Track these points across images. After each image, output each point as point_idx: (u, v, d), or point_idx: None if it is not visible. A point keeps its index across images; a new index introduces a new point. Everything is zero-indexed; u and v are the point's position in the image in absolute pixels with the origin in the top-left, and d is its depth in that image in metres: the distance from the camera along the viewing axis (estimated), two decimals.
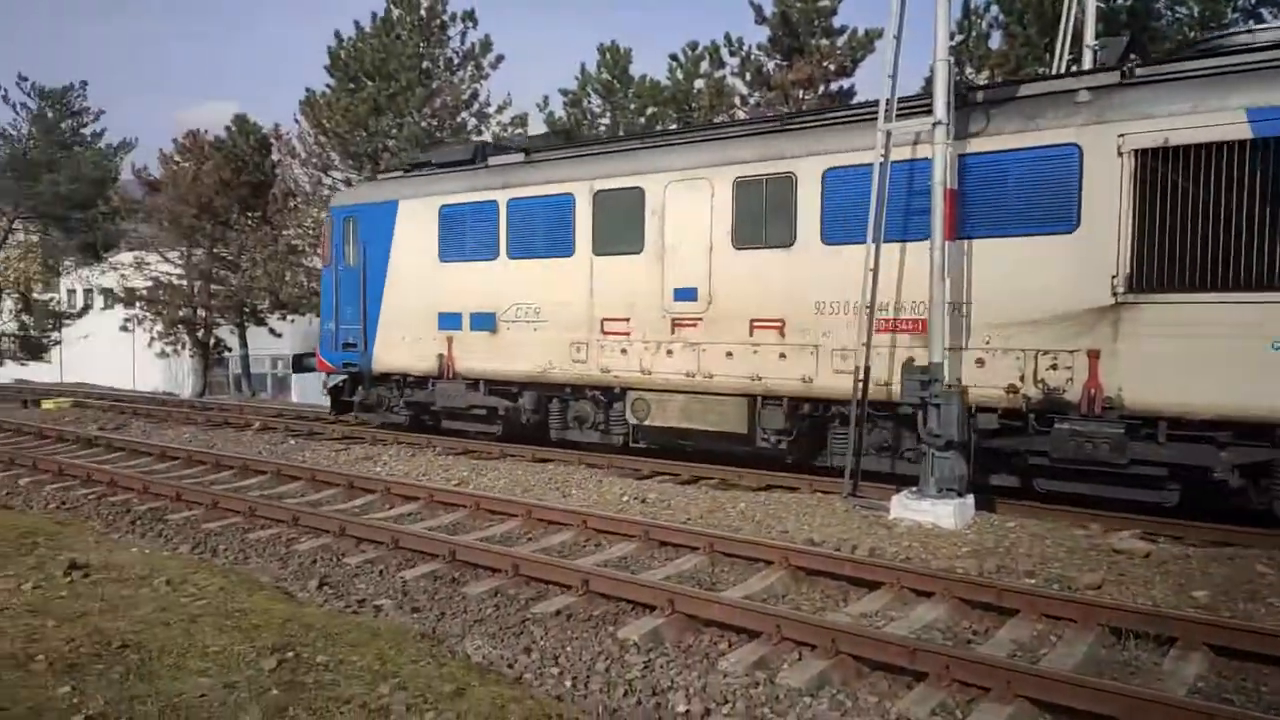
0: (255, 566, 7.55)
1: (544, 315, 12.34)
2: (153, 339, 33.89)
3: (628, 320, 11.55)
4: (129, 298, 34.50)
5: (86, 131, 37.77)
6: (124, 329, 35.66)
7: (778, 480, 10.47)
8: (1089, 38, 10.95)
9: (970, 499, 8.66)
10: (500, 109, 27.92)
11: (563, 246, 12.08)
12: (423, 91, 26.87)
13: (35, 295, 41.12)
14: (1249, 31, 9.00)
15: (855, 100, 20.94)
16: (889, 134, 9.11)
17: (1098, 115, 8.42)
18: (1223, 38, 9.30)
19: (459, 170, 13.82)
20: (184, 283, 33.51)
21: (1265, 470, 7.91)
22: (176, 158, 33.15)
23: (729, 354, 10.71)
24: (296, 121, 29.55)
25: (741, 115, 22.51)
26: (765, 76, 22.10)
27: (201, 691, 4.53)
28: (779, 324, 10.31)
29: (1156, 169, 8.08)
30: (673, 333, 11.16)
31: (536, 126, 25.88)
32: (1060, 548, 7.64)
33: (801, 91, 21.38)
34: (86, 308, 41.38)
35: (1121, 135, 8.22)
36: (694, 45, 23.10)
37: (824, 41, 21.78)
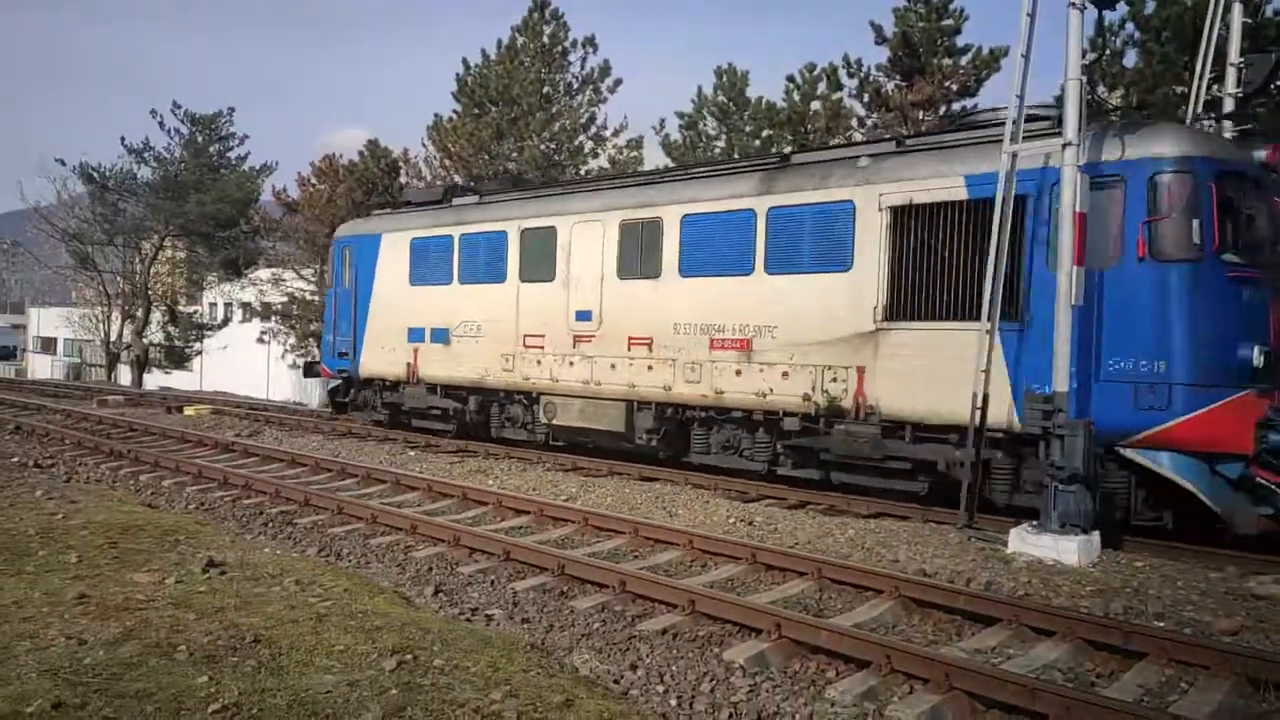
0: (376, 571, 7.87)
1: (483, 331, 14.68)
2: (286, 351, 35.76)
3: (543, 337, 13.77)
4: (265, 312, 36.53)
5: (232, 155, 40.41)
6: (260, 341, 37.65)
7: (889, 508, 10.26)
8: (1233, 54, 10.39)
9: (1096, 536, 8.28)
10: (617, 132, 28.44)
11: (498, 274, 14.44)
12: (543, 116, 27.62)
13: (180, 308, 44.09)
14: (993, 110, 11.01)
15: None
16: (1014, 156, 8.87)
17: (867, 178, 10.39)
18: (969, 114, 11.88)
19: (428, 209, 16.42)
20: (316, 298, 35.27)
21: (986, 467, 9.42)
22: (313, 180, 35.03)
23: (613, 366, 12.80)
24: (424, 146, 30.82)
25: (858, 137, 22.27)
26: (884, 98, 21.76)
27: (327, 688, 4.76)
28: (648, 341, 12.38)
29: (904, 222, 10.02)
30: (574, 347, 13.32)
31: (652, 149, 26.28)
32: (1193, 590, 7.22)
33: (921, 112, 20.97)
34: (226, 320, 44.02)
35: (882, 194, 10.16)
36: (811, 67, 22.97)
37: (946, 61, 21.32)
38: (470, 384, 15.03)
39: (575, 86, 28.71)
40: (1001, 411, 9.07)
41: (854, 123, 22.53)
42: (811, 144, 21.50)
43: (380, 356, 16.60)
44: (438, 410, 15.82)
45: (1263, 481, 8.11)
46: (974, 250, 9.38)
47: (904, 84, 21.47)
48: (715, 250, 11.65)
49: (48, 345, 66.25)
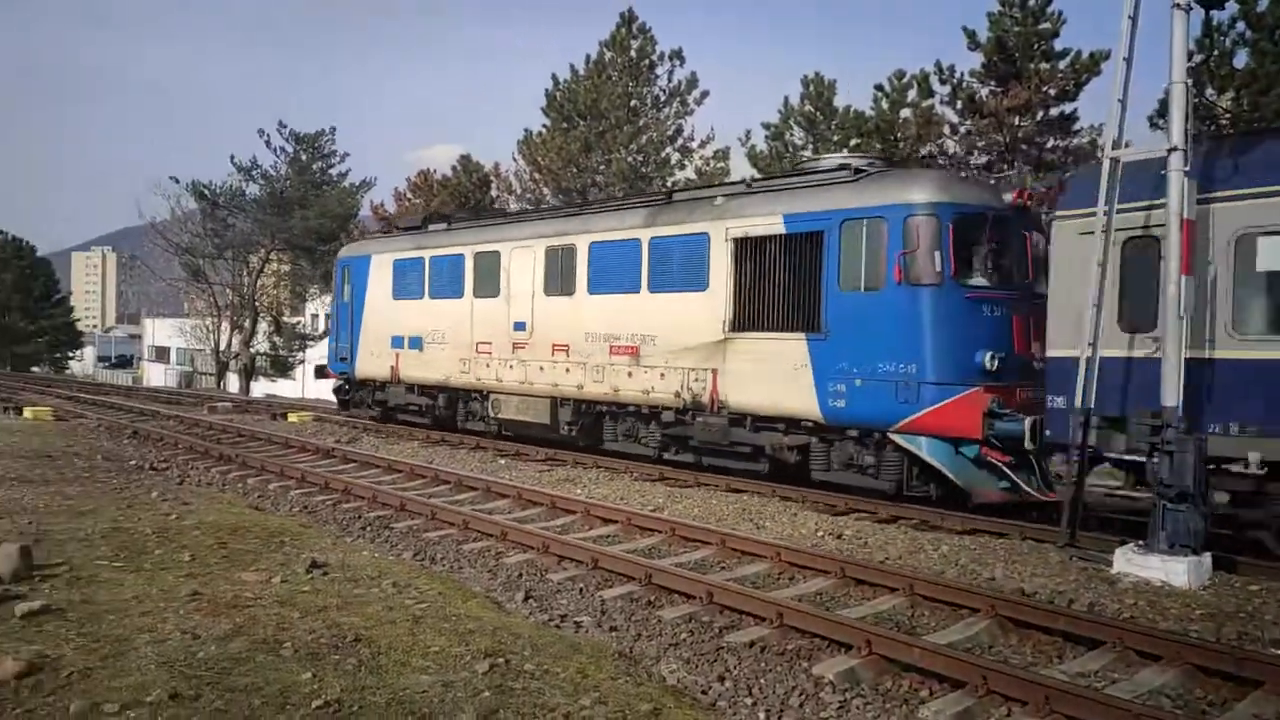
0: (468, 576, 8.06)
1: (447, 339, 17.27)
2: None
3: (491, 344, 16.27)
4: None
5: (334, 172, 41.98)
6: None
7: (984, 524, 9.99)
8: None
9: (1207, 557, 7.91)
10: (703, 143, 28.52)
11: (458, 291, 17.03)
12: (630, 129, 27.91)
13: (285, 319, 45.94)
14: (813, 158, 14.02)
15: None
16: (1117, 162, 8.57)
17: (719, 214, 12.56)
18: (806, 161, 14.85)
19: (409, 234, 19.39)
20: None
21: (806, 450, 11.61)
22: (408, 195, 36.12)
23: (541, 368, 15.22)
24: (514, 160, 31.49)
25: (951, 145, 21.84)
26: (978, 104, 21.27)
27: (423, 688, 4.91)
28: (566, 348, 14.74)
29: (743, 251, 12.08)
30: (513, 353, 15.78)
31: (738, 160, 26.23)
32: None
33: (1018, 118, 20.43)
34: (327, 330, 45.63)
35: (728, 228, 12.29)
36: (901, 74, 22.63)
37: (1044, 65, 20.72)
38: (438, 384, 17.77)
39: (662, 99, 28.94)
40: (810, 404, 11.23)
41: (946, 130, 22.08)
42: (901, 152, 21.20)
43: (371, 360, 19.41)
44: (415, 405, 18.61)
45: (994, 461, 10.07)
46: (791, 275, 11.55)
47: (999, 89, 20.95)
48: (614, 273, 13.98)
49: (162, 354, 69.91)
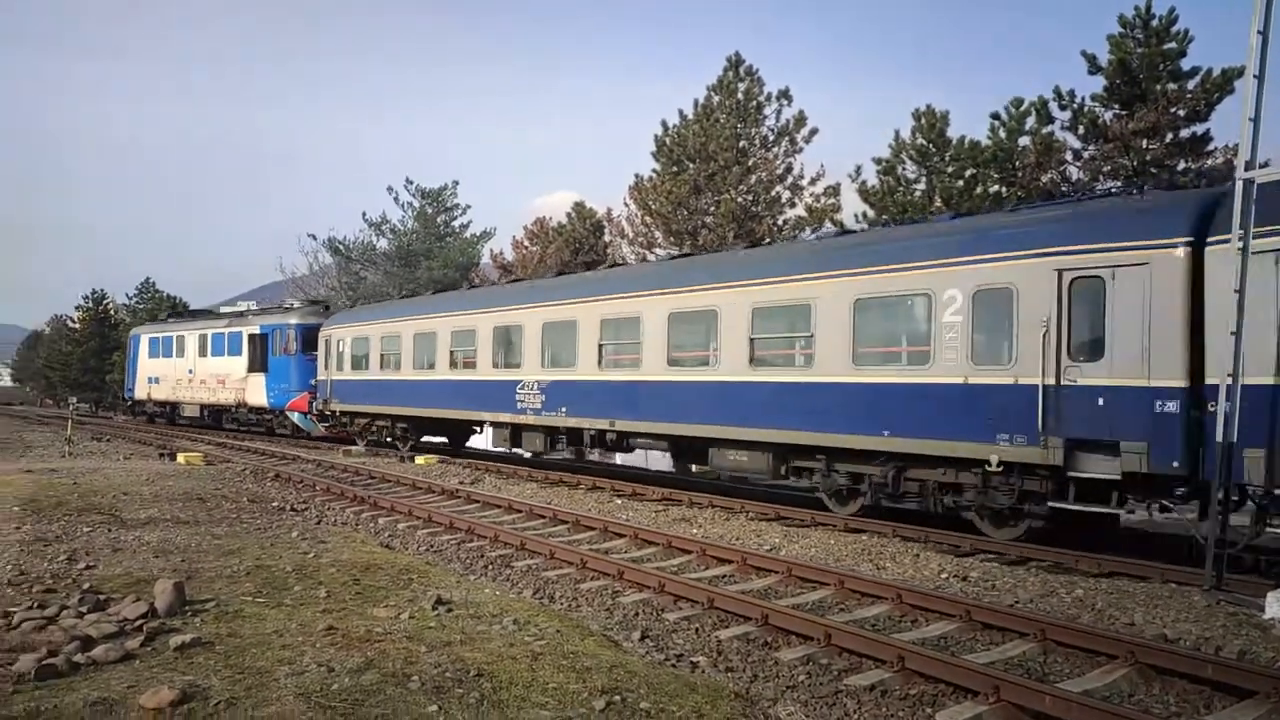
0: (586, 614, 8.18)
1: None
2: None
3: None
4: None
5: (456, 224, 43.73)
6: None
7: (1123, 567, 9.49)
8: None
9: None
10: (814, 180, 28.39)
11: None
12: (739, 169, 28.08)
13: None
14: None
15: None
16: (1251, 183, 8.15)
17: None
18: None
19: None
20: None
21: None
22: (525, 243, 37.24)
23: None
24: (626, 205, 32.10)
25: (1073, 171, 21.13)
26: (1101, 128, 20.50)
27: None
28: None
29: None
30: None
31: (849, 196, 25.97)
32: None
33: (1145, 141, 19.58)
34: None
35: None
36: (1019, 101, 22.05)
37: (1171, 86, 19.84)
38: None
39: (770, 139, 29.01)
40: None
41: (1068, 156, 21.36)
42: (1020, 180, 20.59)
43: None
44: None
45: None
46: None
47: (1124, 113, 20.16)
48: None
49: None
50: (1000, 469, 10.49)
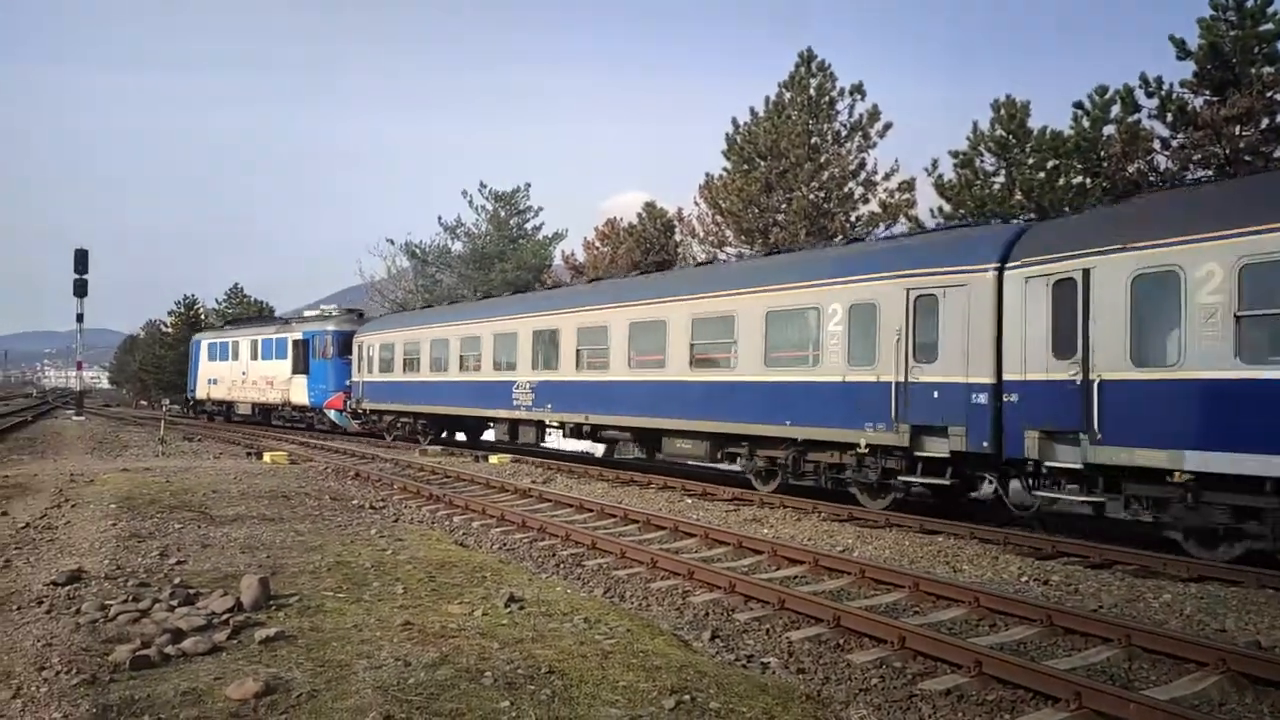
0: (656, 613, 8.20)
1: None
2: None
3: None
4: None
5: (529, 226, 44.31)
6: None
7: (1214, 571, 9.10)
8: None
9: None
10: (888, 175, 27.94)
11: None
12: (811, 166, 27.77)
13: None
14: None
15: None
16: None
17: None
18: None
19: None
20: None
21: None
22: (596, 244, 37.52)
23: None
24: (696, 204, 32.06)
25: (1160, 160, 20.33)
26: (1191, 115, 19.68)
27: None
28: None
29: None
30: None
31: (924, 190, 25.55)
32: None
33: (1238, 127, 18.73)
34: None
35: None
36: (1103, 90, 21.32)
37: (1267, 69, 18.93)
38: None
39: (843, 134, 28.64)
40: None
41: (1155, 144, 20.56)
42: (1105, 171, 19.92)
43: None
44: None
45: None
46: None
47: (1215, 99, 19.31)
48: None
49: None
50: (868, 450, 13.00)
